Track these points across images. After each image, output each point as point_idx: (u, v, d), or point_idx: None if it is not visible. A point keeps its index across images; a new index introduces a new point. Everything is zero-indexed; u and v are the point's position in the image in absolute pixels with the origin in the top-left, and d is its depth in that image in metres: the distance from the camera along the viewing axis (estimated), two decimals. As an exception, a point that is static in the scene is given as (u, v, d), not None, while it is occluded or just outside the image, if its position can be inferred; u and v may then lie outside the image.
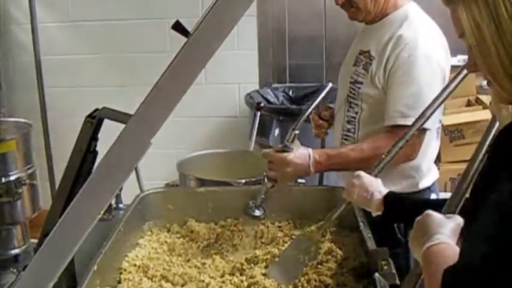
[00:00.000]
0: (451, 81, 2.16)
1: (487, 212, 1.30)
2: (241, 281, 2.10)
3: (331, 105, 2.82)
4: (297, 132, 2.43)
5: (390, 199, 2.07)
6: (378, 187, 2.10)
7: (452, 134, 4.45)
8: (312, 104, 2.57)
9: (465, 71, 2.05)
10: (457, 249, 1.41)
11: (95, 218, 1.42)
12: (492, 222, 1.27)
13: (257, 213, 2.46)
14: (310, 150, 2.47)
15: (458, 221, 1.55)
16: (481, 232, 1.28)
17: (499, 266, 1.21)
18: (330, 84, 2.63)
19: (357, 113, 2.64)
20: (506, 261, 1.20)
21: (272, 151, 2.49)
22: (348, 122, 2.68)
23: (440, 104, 2.19)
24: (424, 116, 2.17)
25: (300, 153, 2.43)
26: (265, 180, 2.45)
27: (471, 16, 1.33)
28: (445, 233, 1.49)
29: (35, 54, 3.70)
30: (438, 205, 1.68)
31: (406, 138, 2.16)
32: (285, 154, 2.42)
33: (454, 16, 1.40)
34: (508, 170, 1.29)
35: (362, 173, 2.15)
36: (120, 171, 1.35)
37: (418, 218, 1.59)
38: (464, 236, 1.41)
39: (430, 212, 1.58)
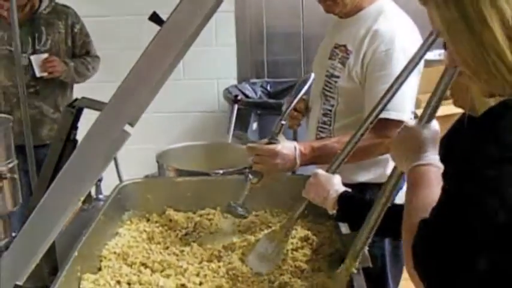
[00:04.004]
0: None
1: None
2: (219, 267, 2.15)
3: (305, 97, 2.84)
4: (283, 123, 2.42)
5: (344, 198, 2.10)
6: (334, 185, 2.13)
7: (427, 127, 4.48)
8: (296, 95, 2.50)
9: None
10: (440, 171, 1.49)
11: (72, 203, 1.45)
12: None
13: (241, 211, 2.42)
14: (295, 142, 2.48)
15: (435, 128, 1.66)
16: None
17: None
18: (313, 75, 2.57)
19: (332, 105, 2.67)
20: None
21: (259, 144, 2.47)
22: (324, 114, 2.70)
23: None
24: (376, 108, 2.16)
25: (287, 145, 2.43)
26: (249, 176, 2.42)
27: (442, 15, 1.37)
28: (430, 149, 1.60)
29: (15, 49, 3.71)
30: (394, 210, 1.75)
31: (361, 132, 2.16)
32: (273, 146, 2.40)
33: (429, 15, 1.44)
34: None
35: (319, 171, 2.18)
36: (96, 157, 1.39)
37: (400, 130, 1.70)
38: None
39: (412, 124, 1.68)
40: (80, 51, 4.41)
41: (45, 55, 4.17)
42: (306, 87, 2.48)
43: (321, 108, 2.71)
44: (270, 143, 2.42)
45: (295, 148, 2.43)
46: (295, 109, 2.83)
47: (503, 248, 1.28)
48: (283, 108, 2.70)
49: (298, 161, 2.44)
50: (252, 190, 2.42)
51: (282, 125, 2.42)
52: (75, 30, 4.36)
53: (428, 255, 1.32)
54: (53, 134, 4.21)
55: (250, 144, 2.54)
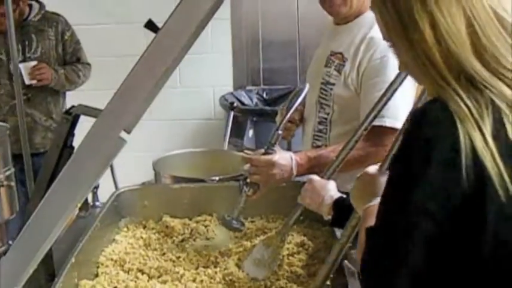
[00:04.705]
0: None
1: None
2: (215, 273, 2.16)
3: (299, 107, 2.81)
4: (280, 132, 2.39)
5: (339, 204, 2.10)
6: (329, 191, 2.14)
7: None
8: (291, 106, 2.46)
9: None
10: None
11: (69, 209, 1.45)
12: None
13: (236, 224, 2.40)
14: (290, 152, 2.46)
15: None
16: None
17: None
18: (308, 85, 2.53)
19: (328, 113, 2.67)
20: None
21: (255, 154, 2.45)
22: (319, 122, 2.70)
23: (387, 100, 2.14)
24: (370, 115, 2.14)
25: (284, 155, 2.41)
26: (244, 188, 2.39)
27: (383, 18, 1.43)
28: None
29: (13, 58, 3.72)
30: None
31: (355, 139, 2.15)
32: (269, 156, 2.37)
33: (376, 20, 1.48)
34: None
35: (314, 177, 2.19)
36: (92, 164, 1.39)
37: (361, 175, 1.73)
38: None
39: (374, 170, 1.71)
40: (70, 58, 4.41)
41: (34, 63, 4.18)
42: (300, 98, 2.47)
43: (316, 116, 2.71)
44: (266, 153, 2.40)
45: (291, 158, 2.42)
46: (289, 120, 2.82)
47: (437, 243, 1.31)
48: (277, 118, 2.71)
49: (295, 172, 2.42)
50: (247, 202, 2.41)
51: (279, 135, 2.40)
52: (66, 37, 4.36)
53: (371, 256, 1.35)
54: (46, 141, 4.22)
55: (246, 155, 2.52)
